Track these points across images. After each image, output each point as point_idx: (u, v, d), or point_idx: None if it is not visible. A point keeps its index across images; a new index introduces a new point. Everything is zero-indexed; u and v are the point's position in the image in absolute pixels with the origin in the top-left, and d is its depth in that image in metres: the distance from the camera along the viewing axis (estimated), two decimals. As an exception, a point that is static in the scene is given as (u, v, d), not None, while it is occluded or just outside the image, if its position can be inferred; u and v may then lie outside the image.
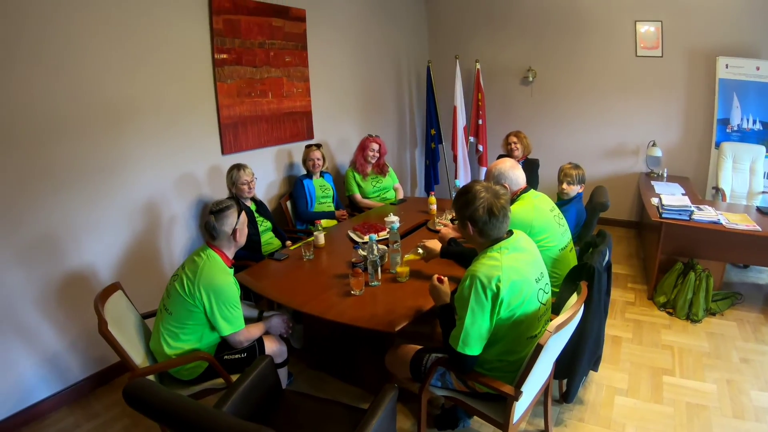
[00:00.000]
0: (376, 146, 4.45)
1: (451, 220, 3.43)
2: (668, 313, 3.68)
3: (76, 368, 2.91)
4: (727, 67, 4.82)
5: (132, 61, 3.01)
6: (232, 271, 2.34)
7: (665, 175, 5.15)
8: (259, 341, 2.40)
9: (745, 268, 4.45)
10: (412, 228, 3.61)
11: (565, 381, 2.67)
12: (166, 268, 3.38)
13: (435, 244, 2.64)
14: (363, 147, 4.48)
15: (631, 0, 5.19)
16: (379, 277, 2.65)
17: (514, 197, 2.65)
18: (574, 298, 2.14)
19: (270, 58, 4.02)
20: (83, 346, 2.90)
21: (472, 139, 6.00)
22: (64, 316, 2.81)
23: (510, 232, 1.96)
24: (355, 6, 5.15)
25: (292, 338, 3.06)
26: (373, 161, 4.50)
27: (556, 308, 2.25)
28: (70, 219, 2.79)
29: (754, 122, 4.79)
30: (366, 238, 3.12)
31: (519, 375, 1.86)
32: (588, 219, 3.33)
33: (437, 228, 3.37)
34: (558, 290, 2.41)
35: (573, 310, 1.89)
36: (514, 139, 4.37)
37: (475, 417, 2.50)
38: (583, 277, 2.25)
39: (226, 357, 2.33)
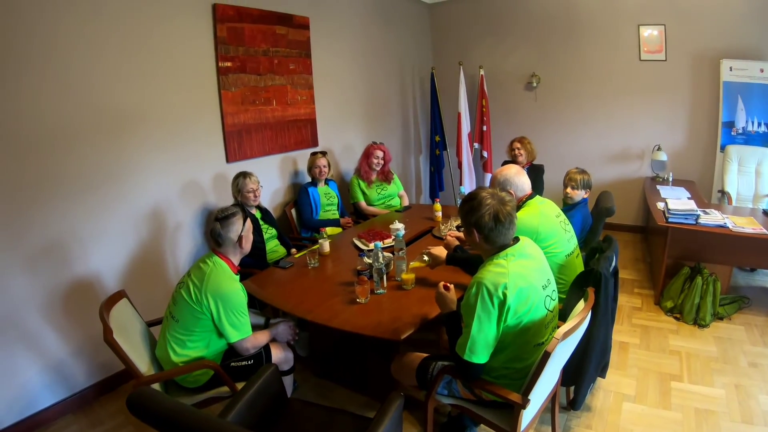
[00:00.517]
0: (380, 153, 4.46)
1: (457, 227, 3.42)
2: (675, 318, 3.65)
3: (81, 375, 2.91)
4: (731, 70, 4.80)
5: (138, 71, 3.04)
6: (238, 277, 2.34)
7: (670, 179, 5.12)
8: (266, 348, 2.40)
9: (752, 272, 4.42)
10: (418, 235, 3.60)
11: (572, 388, 2.65)
12: (171, 276, 3.38)
13: (440, 251, 2.64)
14: (367, 154, 4.49)
15: (634, 4, 5.19)
16: (385, 284, 2.65)
17: (520, 204, 2.64)
18: (581, 304, 2.12)
19: (274, 66, 4.03)
20: (88, 353, 2.90)
21: (476, 145, 6.00)
22: (70, 323, 2.81)
23: (516, 239, 1.95)
24: (358, 13, 5.17)
25: (297, 346, 3.06)
26: (378, 168, 4.50)
27: (563, 315, 2.24)
28: (76, 226, 2.81)
29: (759, 125, 4.77)
30: (371, 246, 3.12)
31: (526, 383, 1.84)
32: (594, 224, 3.32)
33: (443, 235, 3.36)
34: (564, 296, 2.40)
35: (580, 317, 1.87)
36: (518, 145, 4.36)
37: (481, 425, 2.48)
38: (590, 283, 2.23)
39: (233, 364, 2.32)
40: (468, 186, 5.89)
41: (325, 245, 3.24)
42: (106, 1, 2.82)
